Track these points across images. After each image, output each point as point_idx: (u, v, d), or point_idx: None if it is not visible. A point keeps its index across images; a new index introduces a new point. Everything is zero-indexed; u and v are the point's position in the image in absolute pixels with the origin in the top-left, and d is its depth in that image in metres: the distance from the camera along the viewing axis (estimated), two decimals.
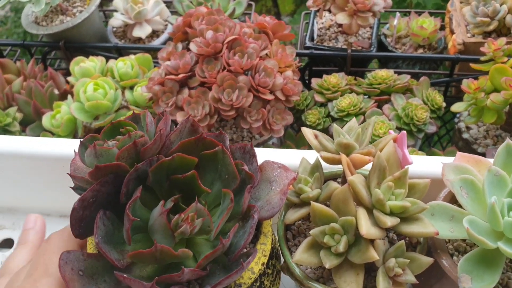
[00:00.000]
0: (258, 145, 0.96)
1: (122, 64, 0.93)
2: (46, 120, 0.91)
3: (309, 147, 0.94)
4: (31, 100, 0.95)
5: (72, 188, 0.43)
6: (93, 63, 0.94)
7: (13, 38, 2.10)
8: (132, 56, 0.98)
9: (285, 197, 0.40)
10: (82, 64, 0.93)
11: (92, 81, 0.89)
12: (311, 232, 0.41)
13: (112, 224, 0.40)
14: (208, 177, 0.43)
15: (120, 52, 1.07)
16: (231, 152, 0.42)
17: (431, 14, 1.10)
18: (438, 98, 0.92)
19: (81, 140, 0.43)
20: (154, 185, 0.42)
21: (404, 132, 0.44)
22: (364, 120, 0.88)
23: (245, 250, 0.40)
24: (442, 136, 1.14)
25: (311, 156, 0.50)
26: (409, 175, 0.43)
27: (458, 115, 0.99)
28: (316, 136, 0.45)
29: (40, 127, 0.97)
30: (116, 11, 1.12)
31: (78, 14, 1.05)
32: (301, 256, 0.41)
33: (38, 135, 0.96)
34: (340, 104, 0.90)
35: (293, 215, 0.44)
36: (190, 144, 0.41)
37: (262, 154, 0.56)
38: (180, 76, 0.85)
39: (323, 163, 0.46)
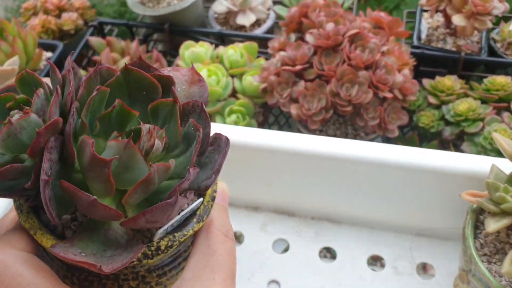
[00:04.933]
0: None
1: (232, 52, 0.92)
2: None
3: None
4: None
5: None
6: (204, 48, 0.93)
7: None
8: (240, 44, 0.96)
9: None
10: (193, 49, 0.92)
11: (205, 67, 0.88)
12: None
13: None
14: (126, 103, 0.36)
15: (223, 39, 1.06)
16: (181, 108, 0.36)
17: None
18: None
19: None
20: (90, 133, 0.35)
21: None
22: (483, 127, 0.85)
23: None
24: None
25: (497, 163, 0.48)
26: None
27: None
28: None
29: None
30: None
31: None
32: (510, 268, 0.39)
33: None
34: (457, 108, 0.86)
35: (495, 224, 0.41)
36: (91, 80, 0.35)
37: (441, 157, 0.53)
38: (297, 67, 0.84)
39: None
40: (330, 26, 0.83)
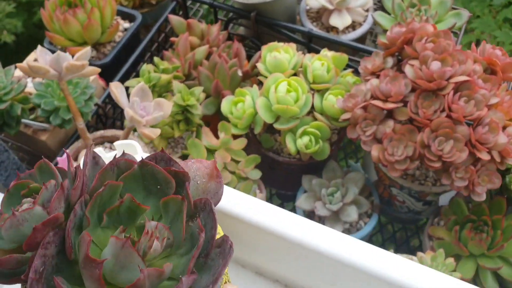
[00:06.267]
0: (441, 193, 0.85)
1: (318, 65, 0.83)
2: (225, 105, 0.84)
3: (507, 215, 0.81)
4: (213, 77, 0.88)
5: None
6: (288, 55, 0.85)
7: None
8: (328, 54, 0.87)
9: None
10: (276, 54, 0.84)
11: (286, 80, 0.80)
12: None
13: None
14: (138, 197, 0.38)
15: (310, 38, 0.96)
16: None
17: None
18: None
19: None
20: (92, 229, 0.36)
21: None
22: None
23: None
24: None
25: None
26: None
27: None
28: None
29: (213, 105, 0.91)
30: None
31: None
32: None
33: (212, 113, 0.90)
34: None
35: None
36: (106, 172, 0.37)
37: None
38: (389, 105, 0.74)
39: None
40: (435, 65, 0.73)
